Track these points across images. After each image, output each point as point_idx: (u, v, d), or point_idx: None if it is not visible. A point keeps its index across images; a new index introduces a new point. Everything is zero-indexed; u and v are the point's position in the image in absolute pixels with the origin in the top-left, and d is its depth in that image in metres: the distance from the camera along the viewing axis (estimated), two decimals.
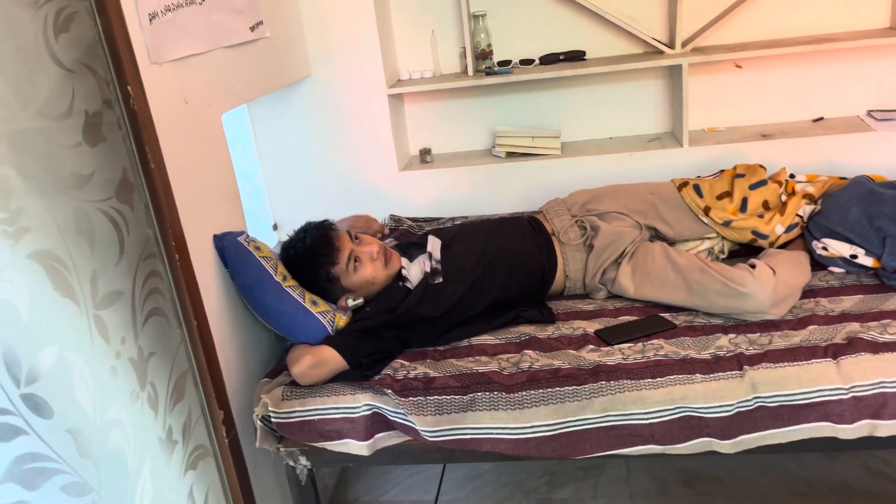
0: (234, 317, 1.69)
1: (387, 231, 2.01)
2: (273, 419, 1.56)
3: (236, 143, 2.42)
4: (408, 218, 2.45)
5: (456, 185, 2.47)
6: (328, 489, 2.20)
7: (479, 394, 1.52)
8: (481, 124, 2.59)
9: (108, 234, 1.32)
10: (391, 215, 2.46)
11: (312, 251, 1.72)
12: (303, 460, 1.61)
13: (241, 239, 1.66)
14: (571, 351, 1.62)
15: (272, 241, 2.61)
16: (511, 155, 2.48)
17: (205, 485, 1.60)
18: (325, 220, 1.82)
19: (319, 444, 1.57)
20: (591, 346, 1.62)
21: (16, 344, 1.08)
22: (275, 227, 2.61)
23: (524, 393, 1.51)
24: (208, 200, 1.63)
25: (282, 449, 1.60)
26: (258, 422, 1.58)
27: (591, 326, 1.72)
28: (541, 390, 1.51)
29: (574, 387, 1.50)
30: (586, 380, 1.51)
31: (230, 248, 1.64)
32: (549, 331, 1.73)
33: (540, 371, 1.55)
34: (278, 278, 1.66)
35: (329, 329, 1.66)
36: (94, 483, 1.23)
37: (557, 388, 1.50)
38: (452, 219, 2.42)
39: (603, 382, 1.49)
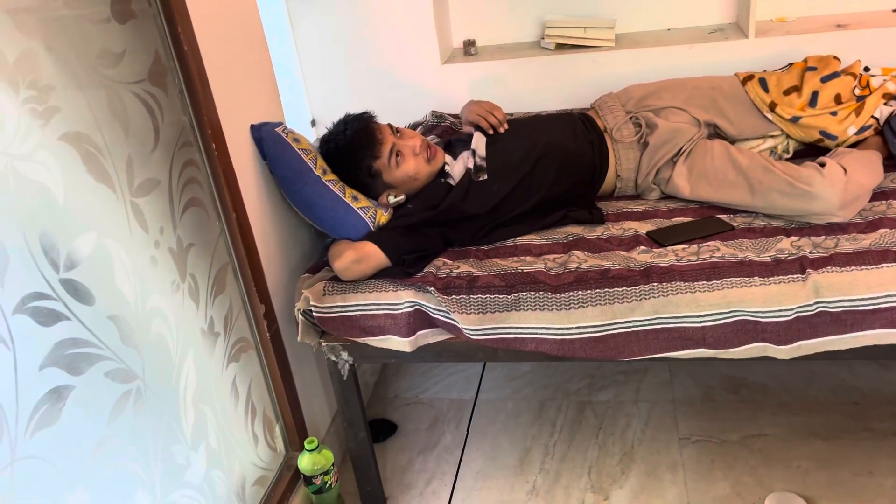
0: (274, 210, 1.65)
1: (505, 127, 1.82)
2: (315, 313, 1.54)
3: (273, 35, 2.32)
4: (450, 115, 2.35)
5: (501, 80, 2.34)
6: (368, 386, 2.22)
7: (524, 293, 1.47)
8: (529, 13, 2.43)
9: (143, 119, 1.27)
10: (433, 111, 2.35)
11: (353, 144, 1.65)
12: (344, 355, 1.60)
13: (279, 130, 1.60)
14: (622, 252, 1.55)
15: (310, 137, 2.54)
16: (561, 47, 2.33)
17: (247, 377, 1.61)
18: (366, 112, 1.73)
19: (361, 340, 1.55)
20: (642, 248, 1.55)
21: (53, 228, 1.05)
22: (313, 123, 2.54)
23: (571, 293, 1.45)
24: (245, 89, 1.56)
25: (323, 344, 1.59)
26: (299, 316, 1.56)
27: (643, 227, 1.64)
28: (588, 291, 1.45)
29: (624, 288, 1.44)
30: (637, 281, 1.44)
31: (268, 139, 1.58)
32: (597, 231, 1.66)
33: (588, 272, 1.49)
34: (318, 172, 1.61)
35: (370, 225, 1.61)
36: (138, 370, 1.23)
37: (606, 289, 1.44)
38: None
39: (655, 284, 1.43)
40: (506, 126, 1.84)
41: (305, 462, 1.65)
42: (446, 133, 2.26)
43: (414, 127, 2.33)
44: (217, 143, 1.43)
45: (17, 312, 0.98)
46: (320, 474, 1.65)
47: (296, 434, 1.75)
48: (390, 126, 1.72)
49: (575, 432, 1.96)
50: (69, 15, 1.10)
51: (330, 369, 1.63)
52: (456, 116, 2.35)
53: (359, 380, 1.67)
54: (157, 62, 1.31)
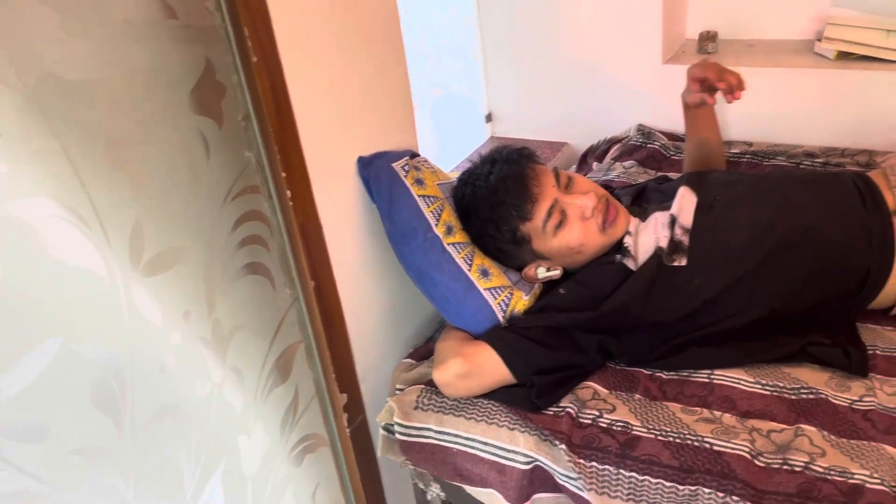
0: (377, 269, 1.23)
1: (742, 91, 1.22)
2: (398, 434, 1.12)
3: (449, 2, 1.85)
4: (663, 132, 1.75)
5: (747, 93, 1.67)
6: None
7: (707, 490, 0.92)
8: (804, 0, 1.72)
9: (171, 164, 0.90)
10: (639, 126, 1.78)
11: (496, 196, 1.16)
12: (435, 488, 1.17)
13: (397, 165, 1.16)
14: (891, 449, 0.93)
15: (483, 134, 2.07)
16: (845, 56, 1.61)
17: (312, 482, 1.23)
18: (525, 149, 1.23)
19: (454, 482, 1.11)
20: None
21: None
22: (488, 119, 2.06)
23: None
24: (354, 105, 1.13)
25: (411, 466, 1.17)
26: (381, 430, 1.15)
27: None
28: None
29: None
30: None
31: (379, 178, 1.15)
32: (854, 390, 1.03)
33: (824, 480, 0.90)
34: (439, 230, 1.15)
35: (499, 315, 1.14)
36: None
37: None
38: (729, 143, 1.68)
39: None
40: (738, 96, 1.21)
41: None
42: (652, 159, 1.68)
43: (610, 144, 1.77)
44: (295, 188, 1.03)
45: None
46: None
47: None
48: (556, 172, 1.20)
49: None
50: None
51: (417, 497, 1.21)
52: (672, 137, 1.75)
53: None
54: (206, 78, 0.91)
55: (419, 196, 1.16)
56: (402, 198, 1.14)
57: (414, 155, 1.22)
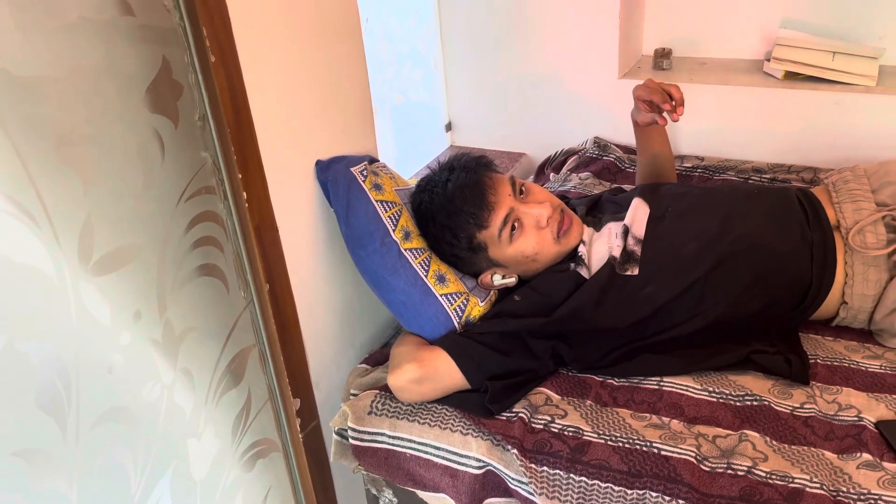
0: (334, 272, 1.23)
1: (679, 113, 1.25)
2: (351, 439, 1.12)
3: (410, 11, 1.86)
4: (618, 146, 1.79)
5: (699, 109, 1.72)
6: None
7: (654, 494, 0.94)
8: (754, 22, 1.78)
9: (123, 162, 0.89)
10: (595, 138, 1.81)
11: (454, 203, 1.17)
12: (388, 494, 1.17)
13: (356, 170, 1.16)
14: (829, 455, 0.96)
15: (443, 143, 2.09)
16: (793, 76, 1.67)
17: (263, 487, 1.22)
18: (483, 157, 1.24)
19: (408, 488, 1.11)
20: (866, 457, 0.95)
21: None
22: (448, 128, 2.08)
23: None
24: (314, 106, 1.13)
25: (364, 471, 1.17)
26: (334, 434, 1.14)
27: (873, 410, 1.03)
28: None
29: None
30: None
31: (338, 182, 1.15)
32: (795, 398, 1.07)
33: (765, 484, 0.92)
34: (397, 235, 1.16)
35: (455, 321, 1.15)
36: None
37: None
38: (682, 158, 1.72)
39: None
40: (680, 112, 1.25)
41: None
42: (607, 171, 1.72)
43: (567, 155, 1.80)
44: (251, 189, 1.02)
45: None
46: None
47: None
48: (512, 181, 1.21)
49: None
50: None
51: (370, 501, 1.20)
52: (627, 149, 1.79)
53: None
54: (162, 76, 0.90)
55: (377, 201, 1.16)
56: (360, 202, 1.15)
57: (373, 160, 1.23)
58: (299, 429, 1.21)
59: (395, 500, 1.17)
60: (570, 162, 1.78)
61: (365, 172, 1.17)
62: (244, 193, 1.01)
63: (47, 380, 0.80)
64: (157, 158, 0.91)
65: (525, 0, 1.78)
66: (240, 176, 1.00)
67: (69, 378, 0.82)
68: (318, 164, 1.15)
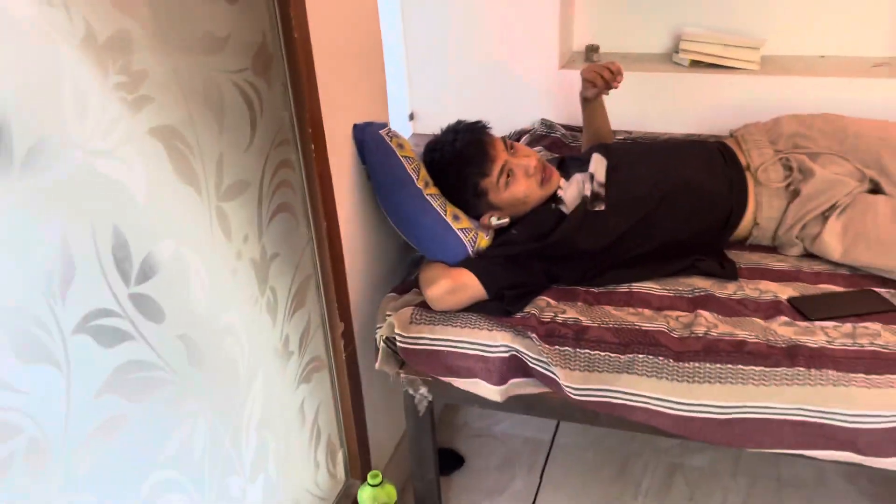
0: (366, 220, 1.49)
1: (620, 81, 1.66)
2: (398, 343, 1.38)
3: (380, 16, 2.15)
4: (562, 125, 2.15)
5: (624, 93, 2.09)
6: (436, 408, 2.06)
7: (641, 355, 1.27)
8: (665, 22, 2.19)
9: (240, 113, 1.12)
10: (542, 119, 2.16)
11: (461, 157, 1.47)
12: (423, 390, 1.43)
13: (383, 132, 1.43)
14: (759, 320, 1.33)
15: (407, 132, 2.38)
16: (696, 64, 2.09)
17: (317, 399, 1.46)
18: (479, 122, 1.55)
19: (445, 378, 1.39)
20: (784, 319, 1.32)
21: (128, 235, 0.91)
22: (411, 117, 2.37)
23: (697, 364, 1.25)
24: (352, 83, 1.40)
25: (402, 375, 1.43)
26: (381, 343, 1.40)
27: (784, 292, 1.41)
28: (718, 364, 1.24)
29: (762, 367, 1.22)
30: (779, 361, 1.22)
31: (371, 142, 1.42)
32: (729, 289, 1.43)
33: (720, 341, 1.27)
34: (420, 184, 1.44)
35: (470, 249, 1.44)
36: (204, 395, 1.09)
37: (740, 366, 1.23)
38: (615, 132, 2.09)
39: (801, 369, 1.20)
40: (620, 80, 1.67)
41: (366, 496, 1.50)
42: (555, 146, 2.06)
43: (520, 135, 2.14)
44: (317, 144, 1.28)
45: (77, 332, 0.84)
46: None
47: (358, 462, 1.60)
48: (504, 140, 1.53)
49: (663, 498, 1.75)
50: None
51: (406, 402, 1.47)
52: (569, 128, 2.14)
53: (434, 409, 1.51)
54: (262, 49, 1.15)
55: (402, 157, 1.44)
56: (391, 158, 1.42)
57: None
58: (343, 349, 1.46)
59: (428, 395, 1.44)
60: (523, 140, 2.12)
61: (390, 134, 1.45)
62: (312, 145, 1.27)
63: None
64: (258, 112, 1.16)
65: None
66: (310, 129, 1.25)
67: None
68: (355, 127, 1.41)
